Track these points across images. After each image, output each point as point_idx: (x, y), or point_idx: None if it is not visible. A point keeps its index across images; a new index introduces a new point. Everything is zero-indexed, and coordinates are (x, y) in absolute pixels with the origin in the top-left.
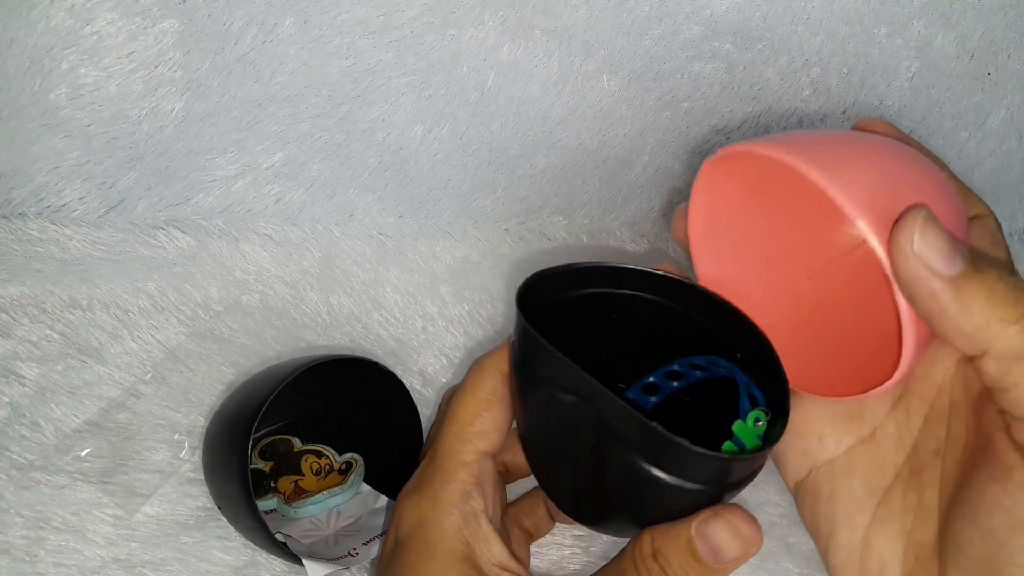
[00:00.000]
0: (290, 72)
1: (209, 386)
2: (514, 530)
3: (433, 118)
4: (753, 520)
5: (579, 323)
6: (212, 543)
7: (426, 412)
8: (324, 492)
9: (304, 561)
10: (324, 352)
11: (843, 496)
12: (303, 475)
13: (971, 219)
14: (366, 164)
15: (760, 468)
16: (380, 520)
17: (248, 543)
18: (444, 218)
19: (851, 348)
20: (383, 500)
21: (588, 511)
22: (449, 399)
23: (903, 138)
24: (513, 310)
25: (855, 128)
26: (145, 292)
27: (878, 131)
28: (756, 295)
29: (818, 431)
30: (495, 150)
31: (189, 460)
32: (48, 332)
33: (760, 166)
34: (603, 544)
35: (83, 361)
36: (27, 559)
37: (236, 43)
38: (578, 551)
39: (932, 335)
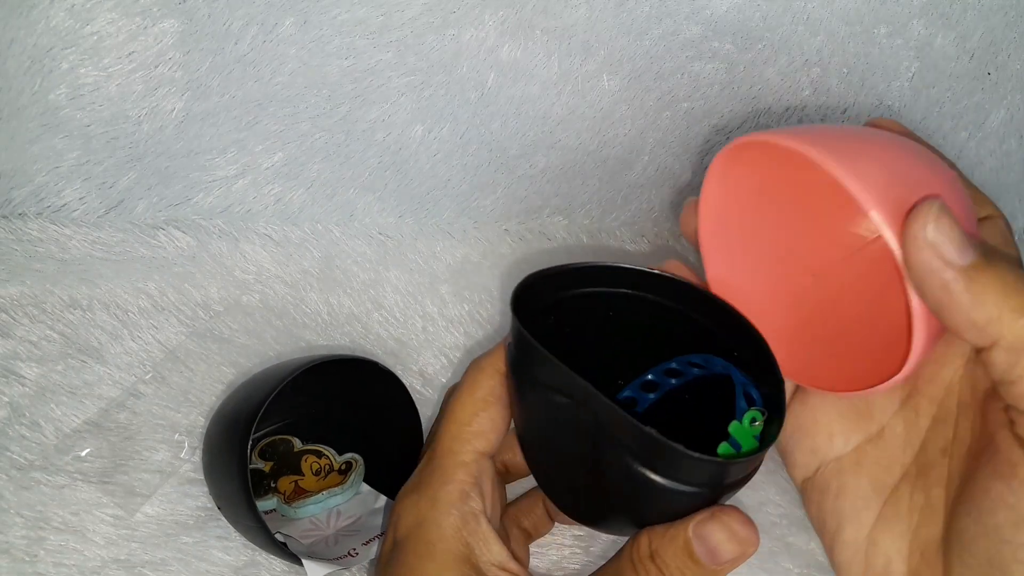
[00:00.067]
0: (290, 72)
1: (209, 386)
2: (513, 530)
3: (433, 118)
4: (750, 522)
5: (577, 322)
6: (212, 543)
7: (426, 412)
8: (324, 492)
9: (304, 561)
10: (324, 352)
11: (850, 493)
12: (303, 475)
13: (981, 220)
14: (366, 164)
15: (757, 468)
16: (380, 520)
17: (248, 543)
18: (444, 218)
19: (860, 344)
20: (383, 500)
21: (587, 511)
22: (449, 398)
23: (914, 137)
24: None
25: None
26: (145, 292)
27: (889, 130)
28: (764, 290)
29: (827, 429)
30: (495, 150)
31: (189, 460)
32: (48, 332)
33: (772, 158)
34: (603, 544)
35: (83, 361)
36: (27, 559)
37: (236, 43)
38: (578, 551)
39: (941, 330)
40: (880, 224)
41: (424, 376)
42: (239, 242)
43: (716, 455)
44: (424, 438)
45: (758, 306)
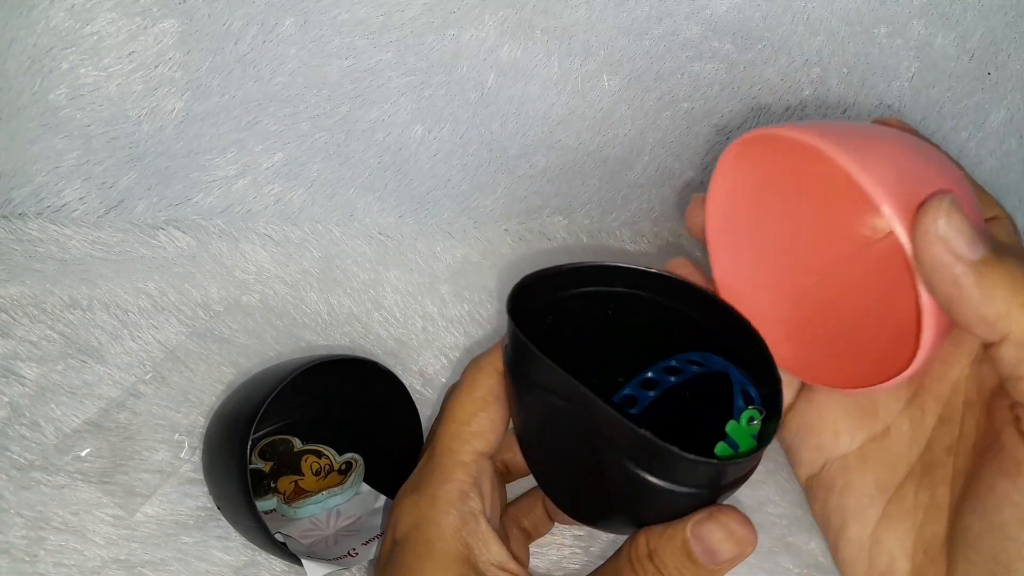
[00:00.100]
0: (290, 72)
1: (209, 386)
2: (513, 530)
3: (433, 118)
4: (747, 521)
5: (576, 322)
6: (212, 543)
7: (426, 412)
8: (324, 492)
9: (303, 561)
10: (324, 352)
11: (855, 491)
12: (303, 475)
13: (988, 220)
14: (366, 164)
15: (755, 467)
16: (379, 520)
17: (248, 543)
18: (444, 218)
19: (866, 341)
20: (383, 500)
21: (586, 511)
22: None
23: (921, 137)
24: None
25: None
26: (145, 292)
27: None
28: (771, 287)
29: (833, 427)
30: (495, 150)
31: (189, 460)
32: (48, 332)
33: (781, 154)
34: (603, 544)
35: (83, 361)
36: (27, 559)
37: (236, 43)
38: (578, 551)
39: (949, 327)
40: (891, 218)
41: (424, 376)
42: (239, 242)
43: (713, 455)
44: (424, 438)
45: (764, 303)
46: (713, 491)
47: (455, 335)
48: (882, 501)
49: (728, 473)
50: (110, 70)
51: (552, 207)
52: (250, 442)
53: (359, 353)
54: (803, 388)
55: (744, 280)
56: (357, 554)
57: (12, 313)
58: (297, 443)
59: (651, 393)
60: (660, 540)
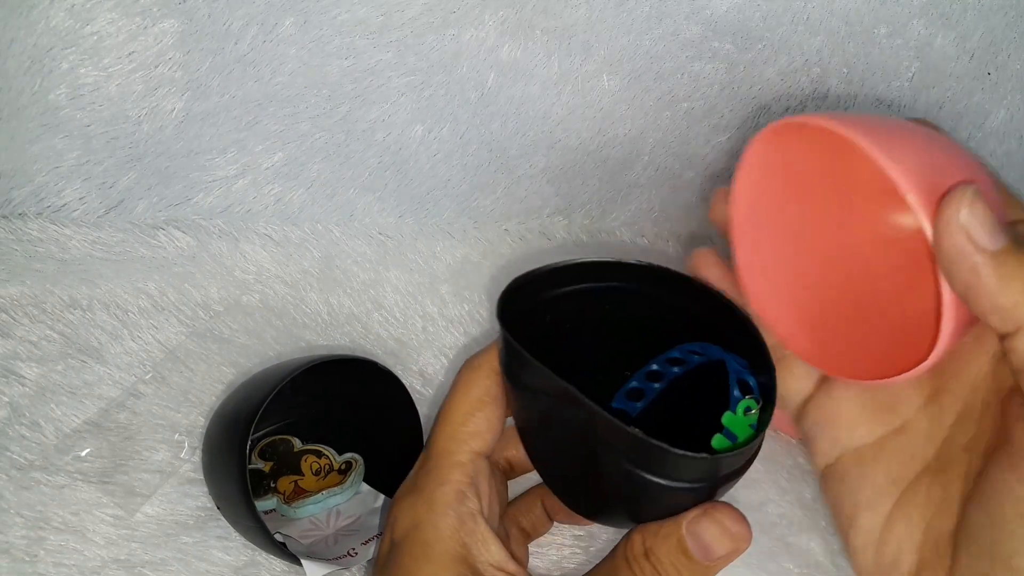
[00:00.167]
0: (290, 72)
1: (209, 386)
2: (512, 530)
3: (433, 118)
4: (742, 518)
5: (575, 318)
6: (212, 543)
7: (426, 412)
8: (324, 492)
9: (302, 561)
10: (324, 352)
11: (868, 482)
12: (303, 475)
13: (1013, 223)
14: (366, 164)
15: (754, 458)
16: (379, 519)
17: (248, 543)
18: (444, 218)
19: (886, 334)
20: (382, 499)
21: (586, 506)
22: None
23: (947, 137)
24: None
25: None
26: (145, 292)
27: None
28: (794, 278)
29: (850, 419)
30: (495, 150)
31: (189, 460)
32: (48, 332)
33: (807, 144)
34: (602, 544)
35: (83, 361)
36: (27, 559)
37: (236, 43)
38: (577, 551)
39: (970, 320)
40: (915, 206)
41: (424, 376)
42: (239, 242)
43: (711, 448)
44: (424, 438)
45: (786, 293)
46: (711, 484)
47: (455, 335)
48: (895, 494)
49: (724, 465)
50: (110, 70)
51: (552, 207)
52: (250, 442)
53: (359, 353)
54: (823, 379)
55: (766, 271)
56: (357, 554)
57: (12, 313)
58: (297, 443)
59: (657, 384)
60: (656, 538)
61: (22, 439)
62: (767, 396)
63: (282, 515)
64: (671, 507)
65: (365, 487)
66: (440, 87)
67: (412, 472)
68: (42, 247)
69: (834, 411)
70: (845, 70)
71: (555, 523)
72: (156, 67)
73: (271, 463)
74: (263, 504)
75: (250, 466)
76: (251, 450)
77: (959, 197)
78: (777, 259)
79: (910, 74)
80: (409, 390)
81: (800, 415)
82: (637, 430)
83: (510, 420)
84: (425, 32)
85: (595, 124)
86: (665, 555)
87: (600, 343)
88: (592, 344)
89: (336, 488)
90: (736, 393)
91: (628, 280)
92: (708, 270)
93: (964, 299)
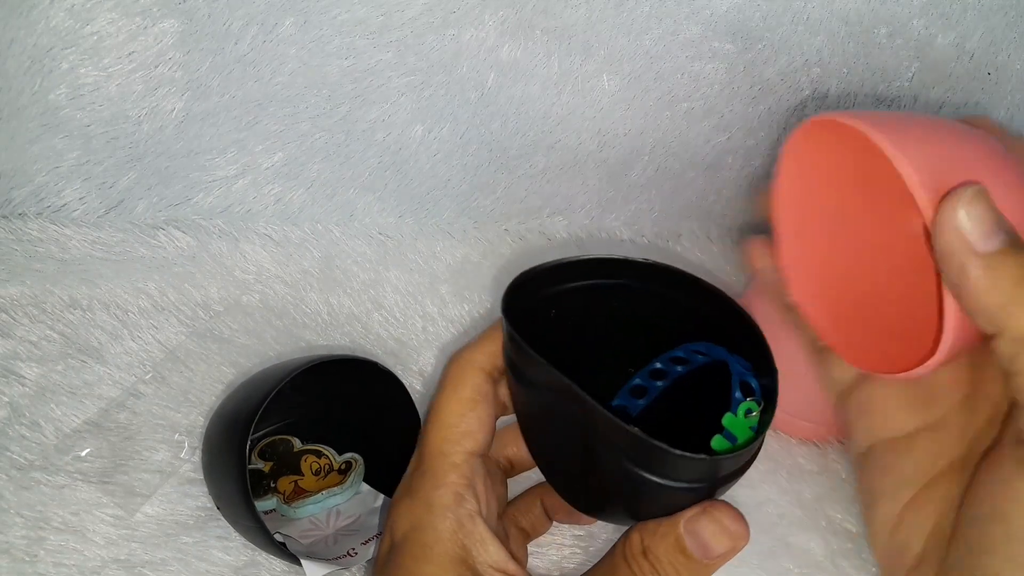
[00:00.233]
0: (290, 72)
1: (209, 386)
2: (511, 529)
3: (433, 118)
4: (740, 516)
5: (579, 315)
6: (212, 543)
7: (426, 412)
8: (323, 492)
9: (302, 561)
10: (324, 352)
11: (894, 473)
12: (303, 475)
13: None
14: (366, 164)
15: (753, 459)
16: (379, 519)
17: (248, 543)
18: (444, 218)
19: (913, 329)
20: (382, 499)
21: (585, 503)
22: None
23: (1004, 137)
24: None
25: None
26: (145, 292)
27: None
28: (827, 271)
29: (889, 411)
30: (495, 150)
31: (189, 460)
32: (48, 332)
33: (844, 140)
34: (601, 544)
35: (83, 361)
36: (27, 559)
37: (236, 43)
38: (577, 551)
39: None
40: (922, 204)
41: (424, 376)
42: (239, 242)
43: (710, 448)
44: None
45: (823, 286)
46: (710, 485)
47: (455, 335)
48: (916, 487)
49: (723, 467)
50: (110, 70)
51: (552, 207)
52: (249, 442)
53: (359, 353)
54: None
55: (806, 264)
56: (356, 554)
57: (12, 313)
58: (297, 443)
59: (659, 383)
60: (654, 537)
61: (22, 439)
62: (768, 398)
63: (282, 515)
64: (670, 506)
65: (365, 487)
66: (440, 87)
67: (407, 473)
68: (42, 247)
69: (874, 401)
70: (845, 70)
71: (555, 523)
72: (156, 67)
73: (271, 463)
74: (263, 504)
75: (250, 466)
76: (251, 450)
77: (958, 196)
78: (815, 253)
79: (910, 74)
80: (409, 390)
81: (842, 402)
82: (637, 429)
83: (507, 419)
84: (425, 32)
85: (595, 124)
86: (664, 553)
87: (604, 340)
88: (596, 341)
89: (336, 488)
90: (737, 395)
91: (635, 278)
92: (760, 260)
93: (956, 298)
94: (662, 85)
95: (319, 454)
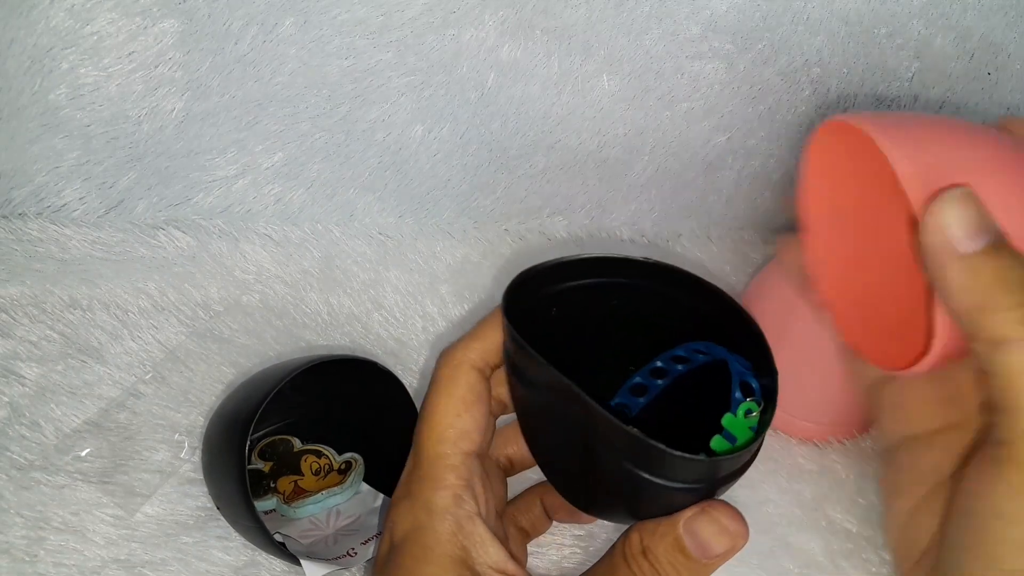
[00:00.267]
0: (290, 72)
1: (209, 386)
2: (511, 529)
3: (433, 118)
4: (739, 516)
5: (579, 313)
6: (212, 543)
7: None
8: (323, 492)
9: (302, 561)
10: (324, 352)
11: (913, 468)
12: (302, 475)
13: None
14: (366, 164)
15: (752, 459)
16: (378, 519)
17: (248, 543)
18: (444, 218)
19: (927, 328)
20: (381, 498)
21: (585, 501)
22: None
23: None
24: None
25: (998, 125)
26: (145, 292)
27: (1016, 130)
28: (850, 270)
29: (916, 408)
30: (495, 150)
31: (189, 460)
32: (48, 332)
33: (866, 143)
34: (601, 543)
35: (83, 361)
36: (27, 559)
37: (236, 43)
38: (577, 551)
39: None
40: (914, 203)
41: (424, 376)
42: (239, 242)
43: (709, 448)
44: None
45: (846, 285)
46: (710, 485)
47: (455, 335)
48: (930, 484)
49: (722, 468)
50: (110, 70)
51: (552, 207)
52: (249, 442)
53: (359, 353)
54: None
55: (830, 263)
56: (356, 553)
57: (12, 313)
58: (297, 443)
59: (660, 382)
60: (653, 536)
61: (22, 439)
62: (768, 399)
63: (282, 515)
64: (670, 506)
65: (365, 487)
66: (440, 87)
67: (405, 474)
68: (42, 247)
69: (902, 398)
70: (845, 70)
71: (555, 522)
72: (156, 67)
73: (271, 463)
74: (263, 504)
75: (250, 466)
76: (251, 450)
77: (943, 197)
78: (840, 251)
79: (910, 74)
80: (409, 390)
81: (871, 397)
82: (636, 431)
83: (506, 417)
84: (425, 32)
85: (595, 124)
86: (663, 553)
87: (605, 339)
88: (597, 339)
89: (336, 488)
90: (737, 395)
91: (636, 277)
92: (791, 256)
93: (939, 298)
94: (662, 85)
95: (319, 454)
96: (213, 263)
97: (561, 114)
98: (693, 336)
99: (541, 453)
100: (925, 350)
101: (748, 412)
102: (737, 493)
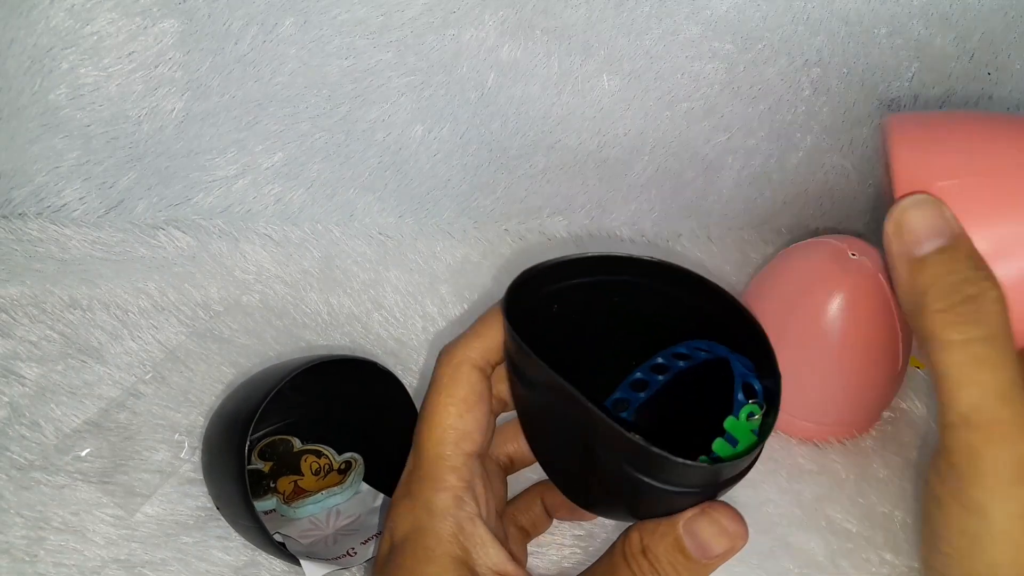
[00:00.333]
0: (290, 72)
1: (209, 386)
2: (511, 528)
3: (433, 118)
4: (739, 516)
5: (581, 310)
6: (212, 543)
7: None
8: (323, 492)
9: (301, 561)
10: (324, 352)
11: None
12: (302, 475)
13: None
14: (366, 164)
15: (753, 463)
16: (378, 518)
17: (248, 543)
18: (444, 218)
19: None
20: (381, 498)
21: (585, 500)
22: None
23: None
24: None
25: None
26: (145, 292)
27: None
28: None
29: None
30: (495, 150)
31: (189, 460)
32: (48, 332)
33: None
34: (601, 543)
35: (83, 361)
36: (27, 559)
37: (236, 43)
38: (577, 550)
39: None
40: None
41: (424, 376)
42: (239, 242)
43: (711, 450)
44: None
45: None
46: (709, 489)
47: (454, 335)
48: None
49: (723, 473)
50: (110, 70)
51: (552, 207)
52: (249, 442)
53: (359, 353)
54: None
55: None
56: (356, 553)
57: (12, 313)
58: (297, 443)
59: (661, 377)
60: (653, 536)
61: (22, 439)
62: (771, 402)
63: (282, 515)
64: (669, 508)
65: (365, 487)
66: (440, 87)
67: (405, 474)
68: (42, 247)
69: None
70: (845, 70)
71: (554, 522)
72: (156, 67)
73: (271, 463)
74: (263, 504)
75: (250, 466)
76: (251, 450)
77: (905, 202)
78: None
79: (910, 74)
80: (408, 390)
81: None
82: (638, 437)
83: (506, 415)
84: (425, 32)
85: (595, 124)
86: (663, 553)
87: (607, 336)
88: (599, 337)
89: (336, 488)
90: (740, 396)
91: (639, 275)
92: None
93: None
94: (662, 85)
95: (319, 454)
96: (213, 263)
97: (561, 114)
98: (695, 335)
99: (541, 452)
100: None
101: (750, 415)
102: (737, 493)
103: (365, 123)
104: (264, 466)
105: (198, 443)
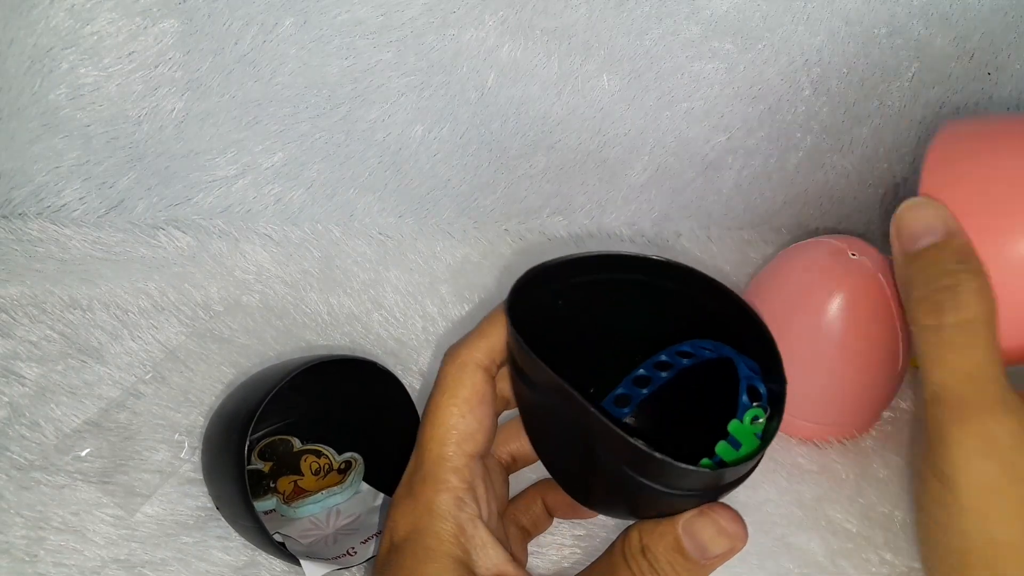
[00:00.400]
0: (290, 72)
1: (209, 386)
2: (511, 528)
3: (433, 118)
4: (738, 517)
5: (587, 308)
6: (212, 543)
7: (423, 410)
8: (323, 492)
9: (301, 561)
10: (324, 352)
11: None
12: (302, 475)
13: None
14: (366, 164)
15: (755, 467)
16: (378, 518)
17: (248, 543)
18: (444, 218)
19: None
20: (381, 498)
21: (586, 499)
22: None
23: None
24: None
25: None
26: (145, 292)
27: None
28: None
29: None
30: (495, 150)
31: (189, 460)
32: (48, 332)
33: None
34: (601, 543)
35: (83, 361)
36: (27, 559)
37: (236, 43)
38: (577, 550)
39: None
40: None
41: (424, 376)
42: (239, 242)
43: (713, 451)
44: None
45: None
46: (711, 492)
47: (455, 335)
48: None
49: (725, 477)
50: (110, 70)
51: (552, 207)
52: (249, 442)
53: (359, 353)
54: None
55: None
56: (356, 552)
57: (12, 313)
58: (296, 443)
59: (664, 374)
60: (652, 536)
61: (22, 439)
62: (775, 406)
63: (282, 515)
64: (670, 510)
65: (365, 486)
66: (440, 87)
67: (407, 474)
68: (42, 247)
69: None
70: (845, 70)
71: (555, 521)
72: (156, 67)
73: (271, 463)
74: (263, 504)
75: (249, 466)
76: (251, 450)
77: (906, 203)
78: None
79: (910, 74)
80: (409, 390)
81: None
82: (640, 441)
83: (508, 413)
84: (425, 32)
85: (595, 124)
86: (662, 553)
87: (612, 334)
88: (603, 335)
89: (336, 488)
90: (744, 399)
91: (642, 274)
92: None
93: None
94: (662, 85)
95: (319, 454)
96: (213, 263)
97: (561, 114)
98: (701, 335)
99: (543, 451)
100: None
101: (754, 419)
102: (737, 493)
103: (365, 123)
104: (264, 466)
105: (198, 443)
